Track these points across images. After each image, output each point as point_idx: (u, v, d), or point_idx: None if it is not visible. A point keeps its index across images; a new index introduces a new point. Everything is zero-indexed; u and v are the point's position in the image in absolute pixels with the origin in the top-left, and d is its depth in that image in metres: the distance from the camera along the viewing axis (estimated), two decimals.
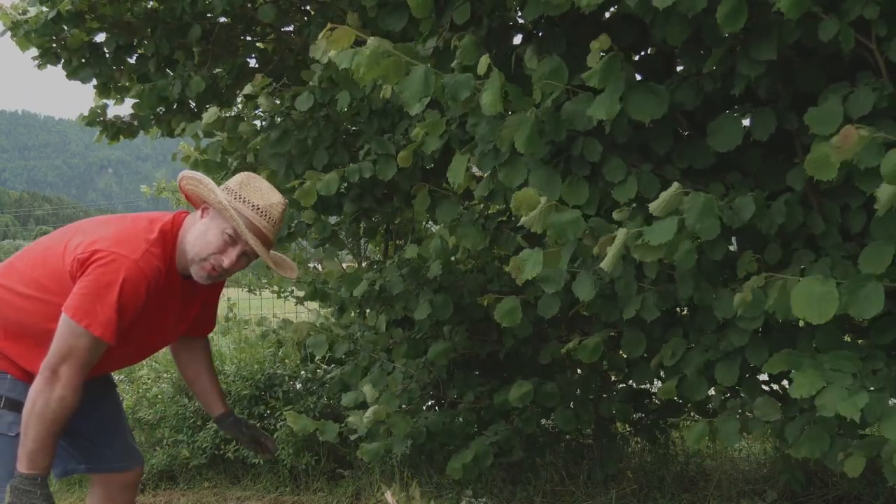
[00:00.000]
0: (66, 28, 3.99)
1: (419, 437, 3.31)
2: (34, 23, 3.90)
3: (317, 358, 4.20)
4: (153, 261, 2.01)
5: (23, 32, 3.94)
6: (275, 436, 4.12)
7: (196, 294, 2.25)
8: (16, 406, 2.04)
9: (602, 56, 2.16)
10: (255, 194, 2.09)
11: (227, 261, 2.06)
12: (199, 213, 2.13)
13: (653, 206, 2.01)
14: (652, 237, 1.99)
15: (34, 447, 1.93)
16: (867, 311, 1.91)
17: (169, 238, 2.08)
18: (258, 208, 2.07)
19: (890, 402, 2.06)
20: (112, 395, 2.48)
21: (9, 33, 4.00)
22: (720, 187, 2.26)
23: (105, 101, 4.63)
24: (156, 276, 2.02)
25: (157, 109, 4.34)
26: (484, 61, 2.19)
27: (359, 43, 2.21)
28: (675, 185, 2.01)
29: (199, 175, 2.13)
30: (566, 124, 2.30)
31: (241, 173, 2.17)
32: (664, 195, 2.01)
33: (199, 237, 2.07)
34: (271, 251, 2.17)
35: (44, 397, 1.92)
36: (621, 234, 2.03)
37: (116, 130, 4.69)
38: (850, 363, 2.06)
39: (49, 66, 4.24)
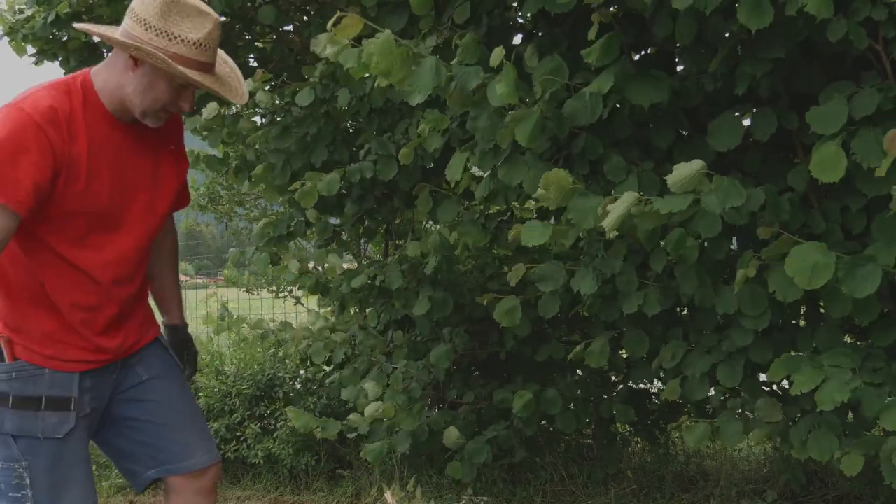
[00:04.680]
0: (64, 30, 3.97)
1: (422, 436, 3.30)
2: (32, 25, 3.89)
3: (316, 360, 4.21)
4: (43, 101, 1.75)
5: (21, 36, 3.93)
6: (275, 435, 4.13)
7: (159, 144, 2.00)
8: (60, 404, 1.87)
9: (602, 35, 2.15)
10: (186, 26, 1.77)
11: (186, 105, 1.86)
12: (127, 59, 1.80)
13: (671, 180, 1.93)
14: (662, 206, 1.91)
15: None
16: (861, 290, 1.88)
17: (70, 85, 1.83)
18: (197, 44, 1.78)
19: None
20: (180, 379, 2.18)
21: (6, 38, 4.00)
22: None
23: None
24: (50, 116, 1.74)
25: None
26: (498, 53, 2.17)
27: (366, 35, 2.19)
28: (700, 162, 1.92)
29: (114, 31, 1.81)
30: (568, 121, 2.29)
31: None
32: (685, 170, 1.92)
33: (146, 91, 1.80)
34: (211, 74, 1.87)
35: None
36: (629, 196, 1.93)
37: None
38: (849, 359, 2.05)
39: (49, 66, 4.25)
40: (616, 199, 1.96)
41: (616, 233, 2.10)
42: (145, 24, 1.76)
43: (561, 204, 2.09)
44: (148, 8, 1.76)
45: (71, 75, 1.89)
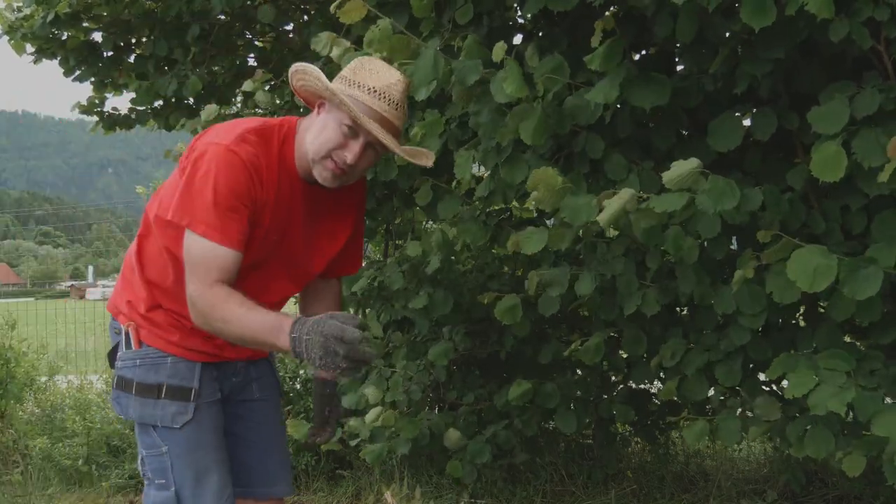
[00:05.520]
0: (63, 30, 3.97)
1: (423, 440, 3.30)
2: (31, 25, 3.89)
3: None
4: (247, 147, 1.81)
5: (20, 35, 3.93)
6: None
7: (337, 208, 2.04)
8: (179, 393, 1.88)
9: (604, 40, 2.14)
10: (370, 76, 1.86)
11: (350, 155, 1.83)
12: (315, 110, 1.92)
13: (666, 178, 1.92)
14: (658, 204, 1.90)
15: (251, 337, 1.74)
16: (862, 292, 1.88)
17: (275, 132, 1.90)
18: (374, 90, 1.84)
19: (887, 401, 2.05)
20: (280, 405, 2.24)
21: (6, 36, 4.00)
22: None
23: (104, 93, 4.61)
24: (255, 163, 1.82)
25: (155, 104, 4.34)
26: (500, 48, 2.17)
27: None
28: (696, 160, 1.92)
29: (307, 65, 1.92)
30: (569, 119, 2.29)
31: (356, 59, 1.94)
32: (681, 168, 1.90)
33: (318, 134, 1.86)
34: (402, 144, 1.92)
35: (207, 324, 1.77)
36: (626, 192, 1.93)
37: (113, 122, 4.67)
38: (845, 362, 2.05)
39: (49, 65, 4.25)
40: (614, 193, 1.97)
41: (615, 231, 2.10)
42: (340, 77, 1.89)
43: (554, 206, 2.09)
44: (348, 67, 1.92)
45: (279, 120, 1.95)
